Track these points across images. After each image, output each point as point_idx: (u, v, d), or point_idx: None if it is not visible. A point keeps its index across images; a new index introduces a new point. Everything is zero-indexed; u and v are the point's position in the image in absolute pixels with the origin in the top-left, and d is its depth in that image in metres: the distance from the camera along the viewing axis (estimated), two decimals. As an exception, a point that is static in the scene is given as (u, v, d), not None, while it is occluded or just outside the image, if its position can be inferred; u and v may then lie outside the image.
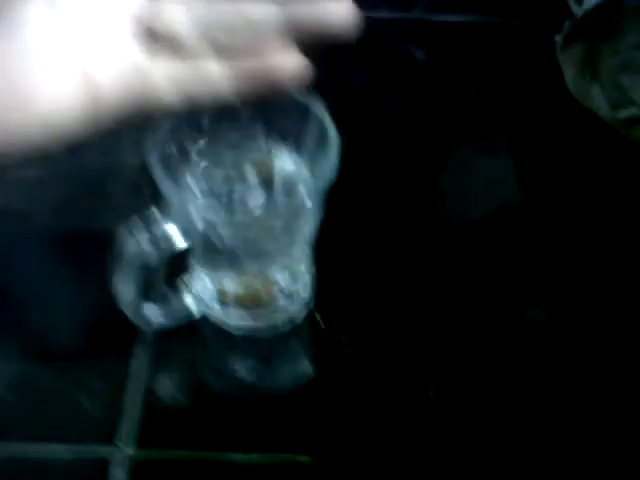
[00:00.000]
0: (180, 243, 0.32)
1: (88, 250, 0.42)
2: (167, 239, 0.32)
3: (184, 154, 0.34)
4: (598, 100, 0.50)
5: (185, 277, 0.38)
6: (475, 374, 0.38)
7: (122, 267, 0.32)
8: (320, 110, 0.33)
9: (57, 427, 0.36)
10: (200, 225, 0.32)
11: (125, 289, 0.33)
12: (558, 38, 0.51)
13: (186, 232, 0.32)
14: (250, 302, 0.38)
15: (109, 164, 0.46)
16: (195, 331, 0.39)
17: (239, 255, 0.34)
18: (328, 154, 0.32)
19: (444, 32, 0.56)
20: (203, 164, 0.35)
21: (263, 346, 0.39)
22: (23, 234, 0.43)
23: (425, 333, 0.40)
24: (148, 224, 0.32)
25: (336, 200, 0.33)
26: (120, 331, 0.38)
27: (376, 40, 0.53)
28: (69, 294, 0.41)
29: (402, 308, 0.40)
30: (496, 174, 0.46)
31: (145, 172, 0.43)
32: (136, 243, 0.32)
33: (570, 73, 0.51)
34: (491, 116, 0.50)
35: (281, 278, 0.37)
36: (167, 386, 0.38)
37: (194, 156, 0.35)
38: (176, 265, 0.40)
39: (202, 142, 0.35)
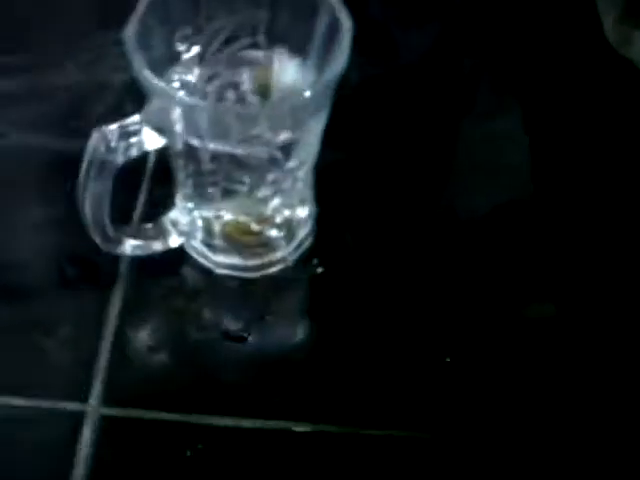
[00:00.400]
0: (157, 143, 0.27)
1: (63, 172, 0.37)
2: (141, 142, 0.27)
3: (168, 39, 0.29)
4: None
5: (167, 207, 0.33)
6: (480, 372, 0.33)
7: (90, 176, 0.27)
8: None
9: (18, 377, 0.32)
10: (182, 128, 0.27)
11: (94, 204, 0.28)
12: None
13: (166, 136, 0.27)
14: (238, 233, 0.33)
15: (90, 80, 0.41)
16: (177, 271, 0.35)
17: (226, 170, 0.29)
18: (339, 49, 0.27)
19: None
20: (189, 56, 0.30)
21: (252, 292, 0.34)
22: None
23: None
24: (123, 127, 0.27)
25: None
26: (95, 267, 0.35)
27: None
28: (39, 221, 0.36)
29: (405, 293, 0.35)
30: (507, 157, 0.40)
31: (129, 91, 0.40)
32: (107, 146, 0.26)
33: (610, 19, 0.46)
34: (509, 78, 0.44)
35: (276, 205, 0.31)
36: (144, 337, 0.33)
37: (179, 44, 0.29)
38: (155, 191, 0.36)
39: (190, 28, 0.29)
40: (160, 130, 0.27)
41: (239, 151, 0.27)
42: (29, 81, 0.41)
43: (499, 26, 0.47)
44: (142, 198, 0.37)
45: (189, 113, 0.26)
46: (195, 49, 0.31)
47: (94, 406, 0.30)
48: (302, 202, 0.33)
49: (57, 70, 0.42)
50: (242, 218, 0.32)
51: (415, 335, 0.33)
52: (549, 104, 0.42)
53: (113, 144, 0.26)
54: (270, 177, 0.29)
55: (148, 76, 0.25)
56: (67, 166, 0.37)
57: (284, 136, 0.27)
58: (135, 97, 0.40)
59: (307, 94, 0.25)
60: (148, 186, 0.37)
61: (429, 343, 0.33)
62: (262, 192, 0.30)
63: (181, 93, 0.28)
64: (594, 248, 0.36)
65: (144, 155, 0.31)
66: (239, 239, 0.33)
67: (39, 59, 0.43)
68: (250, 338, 0.33)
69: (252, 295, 0.34)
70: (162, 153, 0.37)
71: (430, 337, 0.33)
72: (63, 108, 0.40)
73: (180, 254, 0.34)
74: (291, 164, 0.29)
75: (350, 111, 0.30)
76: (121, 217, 0.32)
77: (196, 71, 0.31)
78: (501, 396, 0.32)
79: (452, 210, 0.38)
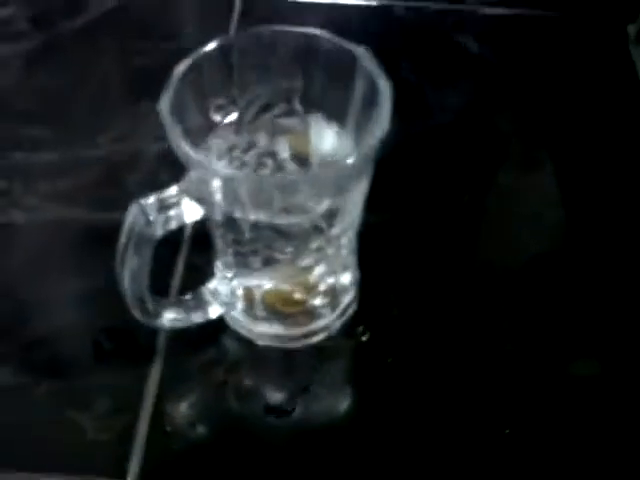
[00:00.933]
0: (196, 215, 0.26)
1: (99, 243, 0.36)
2: (180, 215, 0.26)
3: (203, 110, 0.28)
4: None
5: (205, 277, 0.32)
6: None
7: (128, 250, 0.26)
8: (368, 60, 0.27)
9: (54, 454, 0.30)
10: (221, 198, 0.26)
11: (133, 278, 0.27)
12: (632, 29, 0.45)
13: (205, 207, 0.27)
14: (280, 303, 0.32)
15: (125, 150, 0.41)
16: (216, 343, 0.34)
17: (267, 240, 0.28)
18: (380, 114, 0.26)
19: (497, 25, 0.50)
20: (225, 125, 0.29)
21: (296, 363, 0.33)
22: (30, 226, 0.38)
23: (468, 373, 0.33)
24: (162, 201, 0.26)
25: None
26: (133, 341, 0.34)
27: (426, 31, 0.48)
28: (75, 295, 0.36)
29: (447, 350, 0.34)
30: (543, 208, 0.39)
31: (164, 160, 0.40)
32: (146, 220, 0.26)
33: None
34: (541, 132, 0.44)
35: (319, 273, 0.30)
36: (183, 411, 0.32)
37: (215, 114, 0.29)
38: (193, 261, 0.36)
39: (224, 98, 0.29)
40: (199, 201, 0.26)
41: (281, 221, 0.26)
42: (63, 154, 0.42)
43: (532, 82, 0.46)
44: (180, 268, 0.36)
45: (228, 184, 0.25)
46: (231, 118, 0.30)
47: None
48: (345, 268, 0.32)
49: (91, 142, 0.42)
50: (284, 287, 0.31)
51: (465, 404, 0.32)
52: (582, 158, 0.41)
53: (152, 217, 0.26)
54: (313, 245, 0.28)
55: (185, 148, 0.25)
56: (103, 238, 0.37)
57: (326, 204, 0.26)
58: (171, 166, 0.40)
59: (350, 161, 0.24)
60: (186, 255, 0.36)
61: (479, 411, 0.32)
62: (305, 261, 0.29)
63: (219, 164, 0.27)
64: (632, 301, 0.35)
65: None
66: (281, 309, 0.32)
67: (72, 131, 0.43)
68: (294, 412, 0.31)
69: (295, 366, 0.33)
70: (200, 221, 0.37)
71: (480, 404, 0.32)
72: (97, 180, 0.40)
73: (219, 325, 0.33)
74: (334, 231, 0.28)
75: (387, 173, 0.29)
76: (159, 287, 0.31)
77: (233, 140, 0.30)
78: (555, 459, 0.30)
79: (490, 265, 0.37)
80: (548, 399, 0.32)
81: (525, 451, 0.30)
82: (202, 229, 0.34)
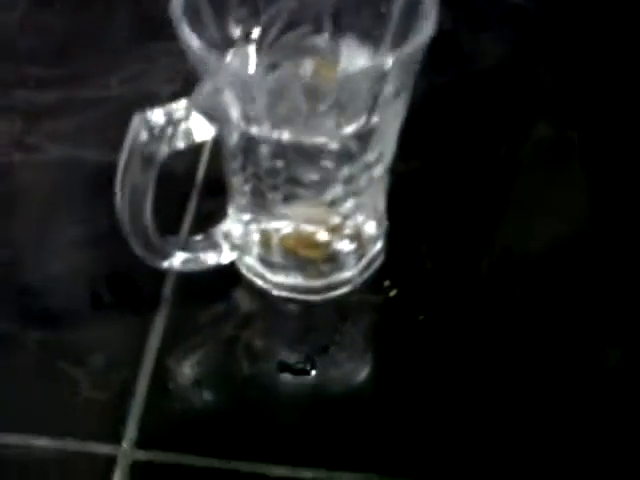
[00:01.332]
0: (206, 133, 0.23)
1: (104, 185, 0.33)
2: (189, 131, 0.23)
3: (221, 21, 0.25)
4: None
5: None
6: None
7: (129, 168, 0.23)
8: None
9: (42, 414, 0.27)
10: (238, 112, 0.23)
11: (134, 203, 0.24)
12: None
13: (218, 124, 0.23)
14: (301, 247, 0.28)
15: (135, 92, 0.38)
16: (227, 293, 0.30)
17: (290, 168, 0.24)
18: (425, 15, 0.22)
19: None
20: (244, 42, 0.26)
21: (315, 318, 0.30)
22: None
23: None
24: (169, 114, 0.23)
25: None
26: (136, 289, 0.31)
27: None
28: (77, 241, 0.32)
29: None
30: (567, 191, 0.35)
31: None
32: (150, 133, 0.22)
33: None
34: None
35: (347, 210, 0.27)
36: (188, 369, 0.29)
37: (234, 28, 0.25)
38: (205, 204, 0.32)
39: (246, 10, 0.25)
40: (211, 117, 0.23)
41: (306, 139, 0.23)
42: (69, 94, 0.39)
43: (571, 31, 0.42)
44: (191, 210, 0.33)
45: (247, 91, 0.21)
46: (252, 34, 0.27)
47: (127, 449, 0.26)
48: (375, 211, 0.28)
49: (99, 82, 0.39)
50: (306, 229, 0.27)
51: (497, 374, 0.28)
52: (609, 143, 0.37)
53: (156, 132, 0.22)
54: (343, 173, 0.24)
55: (199, 47, 0.21)
56: (108, 180, 0.33)
57: (360, 121, 0.23)
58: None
59: (389, 64, 0.21)
60: (197, 198, 0.33)
61: (509, 382, 0.28)
62: (332, 193, 0.25)
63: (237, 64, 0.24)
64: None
65: (193, 161, 0.28)
66: (302, 253, 0.28)
67: (79, 72, 0.40)
68: (311, 373, 0.28)
69: (314, 322, 0.30)
70: (212, 162, 0.33)
71: (510, 374, 0.28)
72: (104, 121, 0.37)
73: (231, 273, 0.30)
74: (368, 157, 0.24)
75: (417, 120, 0.26)
76: (168, 231, 0.28)
77: (253, 60, 0.27)
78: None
79: (527, 220, 0.33)
80: (573, 385, 0.28)
81: (548, 429, 0.27)
82: (214, 173, 0.32)
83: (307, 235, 0.28)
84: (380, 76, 0.21)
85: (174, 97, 0.37)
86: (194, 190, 0.34)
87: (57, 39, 0.42)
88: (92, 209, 0.33)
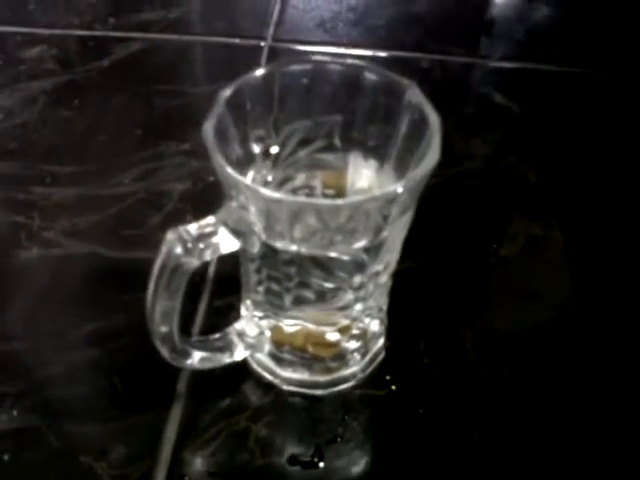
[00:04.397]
0: (231, 246, 0.25)
1: (117, 282, 0.35)
2: (217, 245, 0.25)
3: (244, 140, 0.28)
4: None
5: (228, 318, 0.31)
6: None
7: (162, 279, 0.25)
8: (416, 92, 0.27)
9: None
10: (261, 228, 0.25)
11: (165, 311, 0.26)
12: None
13: (242, 238, 0.26)
14: (312, 345, 0.30)
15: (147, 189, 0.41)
16: (239, 388, 0.32)
17: (306, 275, 0.27)
18: (430, 145, 0.25)
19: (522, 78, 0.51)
20: (264, 158, 0.28)
21: (322, 412, 0.31)
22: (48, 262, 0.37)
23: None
24: (200, 229, 0.25)
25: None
26: (151, 385, 0.32)
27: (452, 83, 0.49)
28: (92, 335, 0.34)
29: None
30: (549, 272, 0.38)
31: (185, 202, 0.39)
32: (184, 248, 0.24)
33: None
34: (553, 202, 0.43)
35: (356, 313, 0.29)
36: (202, 461, 0.30)
37: (255, 145, 0.28)
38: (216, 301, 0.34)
39: (264, 129, 0.28)
40: (237, 232, 0.25)
41: (322, 252, 0.25)
42: (83, 191, 0.41)
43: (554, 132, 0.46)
44: (202, 310, 0.35)
45: (270, 208, 0.24)
46: (270, 151, 0.29)
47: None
48: (380, 311, 0.30)
49: (111, 180, 0.41)
50: (316, 328, 0.29)
51: (501, 462, 0.30)
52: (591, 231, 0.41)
53: (190, 245, 0.24)
54: (354, 282, 0.27)
55: (228, 170, 0.24)
56: (120, 276, 0.36)
57: (369, 237, 0.25)
58: (192, 207, 0.40)
59: (398, 190, 0.23)
60: (208, 297, 0.35)
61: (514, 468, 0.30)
62: (344, 299, 0.27)
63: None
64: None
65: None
66: (312, 352, 0.30)
67: (94, 169, 0.42)
68: (320, 464, 0.29)
69: (322, 415, 0.31)
70: (222, 260, 0.35)
71: (516, 463, 0.30)
72: (117, 218, 0.39)
73: (242, 369, 0.32)
74: (376, 267, 0.27)
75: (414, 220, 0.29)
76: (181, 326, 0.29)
77: (270, 174, 0.30)
78: None
79: (521, 313, 0.36)
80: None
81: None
82: (224, 271, 0.33)
83: (317, 335, 0.30)
84: (390, 200, 0.24)
85: (184, 195, 0.40)
86: (205, 287, 0.36)
87: (73, 137, 0.45)
88: (108, 303, 0.35)
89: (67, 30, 0.54)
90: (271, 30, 0.55)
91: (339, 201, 0.24)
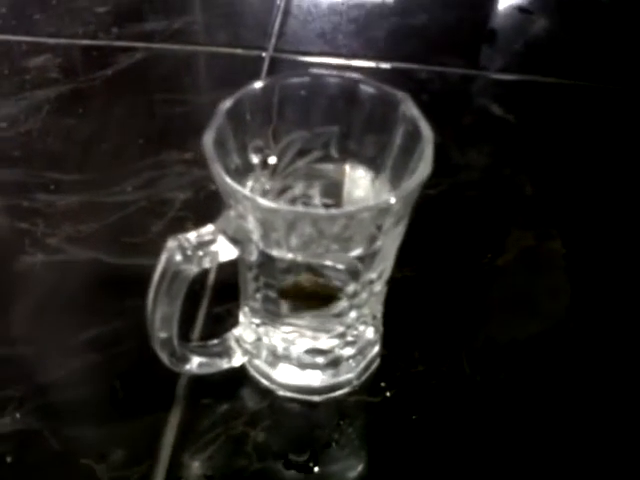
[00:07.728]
0: (230, 254, 0.26)
1: (118, 288, 0.36)
2: (216, 253, 0.26)
3: (243, 151, 0.28)
4: None
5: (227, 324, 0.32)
6: None
7: (162, 286, 0.26)
8: (410, 104, 0.27)
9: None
10: (259, 237, 0.26)
11: (165, 317, 0.26)
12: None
13: (241, 246, 0.26)
14: (307, 352, 0.31)
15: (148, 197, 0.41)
16: (236, 393, 0.33)
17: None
18: (423, 156, 0.26)
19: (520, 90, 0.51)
20: (262, 168, 0.29)
21: (317, 417, 0.32)
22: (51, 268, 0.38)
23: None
24: (200, 237, 0.26)
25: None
26: (150, 389, 0.33)
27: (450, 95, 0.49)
28: (92, 340, 0.34)
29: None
30: (543, 282, 0.39)
31: (187, 210, 0.40)
32: (184, 255, 0.25)
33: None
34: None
35: (350, 320, 0.29)
36: (200, 465, 0.30)
37: (253, 156, 0.29)
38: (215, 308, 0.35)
39: (262, 140, 0.29)
40: (235, 240, 0.26)
41: (318, 261, 0.26)
42: (86, 198, 0.41)
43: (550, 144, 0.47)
44: (200, 318, 0.35)
45: (268, 218, 0.24)
46: (269, 161, 0.30)
47: None
48: (374, 319, 0.31)
49: (114, 188, 0.42)
50: (312, 335, 0.30)
51: (493, 468, 0.30)
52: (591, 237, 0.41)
53: (190, 253, 0.25)
54: (348, 290, 0.27)
55: (226, 180, 0.24)
56: (121, 282, 0.36)
57: (363, 246, 0.26)
58: (193, 215, 0.40)
59: (391, 201, 0.24)
60: (207, 305, 0.36)
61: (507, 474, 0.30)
62: (338, 306, 0.28)
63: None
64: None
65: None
66: (307, 358, 0.31)
67: (97, 177, 0.43)
68: (315, 468, 0.30)
69: (317, 421, 0.32)
70: (222, 267, 0.36)
71: (505, 467, 0.30)
72: (119, 225, 0.40)
73: (240, 374, 0.33)
74: (370, 276, 0.27)
75: (409, 229, 0.29)
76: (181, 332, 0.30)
77: (269, 183, 0.30)
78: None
79: (515, 321, 0.36)
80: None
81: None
82: (223, 279, 0.34)
83: (313, 341, 0.30)
84: (384, 211, 0.24)
85: (186, 203, 0.41)
86: (205, 294, 0.36)
87: (77, 145, 0.45)
88: (109, 309, 0.35)
89: (71, 40, 0.55)
90: (273, 41, 0.56)
91: (334, 211, 0.25)
